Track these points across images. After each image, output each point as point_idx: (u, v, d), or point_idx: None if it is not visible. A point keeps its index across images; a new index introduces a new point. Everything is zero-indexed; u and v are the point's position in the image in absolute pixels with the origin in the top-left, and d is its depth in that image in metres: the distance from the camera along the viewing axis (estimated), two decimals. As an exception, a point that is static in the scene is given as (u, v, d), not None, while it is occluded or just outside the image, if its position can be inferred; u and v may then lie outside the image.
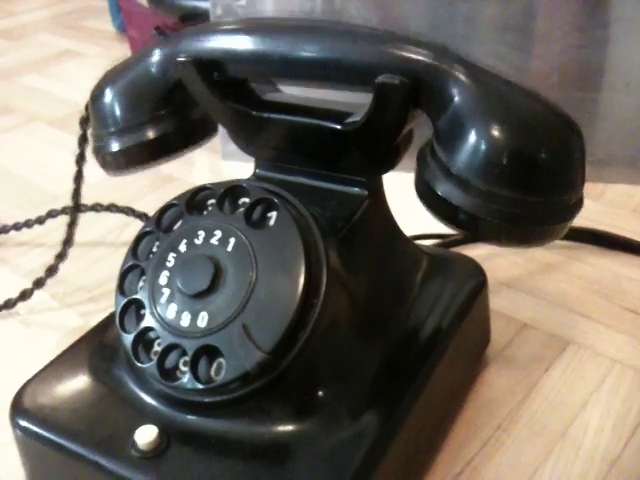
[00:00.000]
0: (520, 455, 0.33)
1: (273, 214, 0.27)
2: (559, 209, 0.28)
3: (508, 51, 0.52)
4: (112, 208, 0.50)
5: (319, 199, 0.31)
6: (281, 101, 0.32)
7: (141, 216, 0.49)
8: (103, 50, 0.91)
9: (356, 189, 0.31)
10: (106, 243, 0.50)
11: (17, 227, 0.50)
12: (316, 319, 0.26)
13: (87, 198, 0.45)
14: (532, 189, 0.27)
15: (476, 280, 0.35)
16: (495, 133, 0.26)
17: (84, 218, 0.46)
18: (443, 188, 0.27)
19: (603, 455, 0.33)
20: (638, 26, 0.50)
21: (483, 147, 0.26)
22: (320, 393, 0.27)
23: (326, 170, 0.32)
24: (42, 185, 0.59)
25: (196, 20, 0.61)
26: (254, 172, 0.34)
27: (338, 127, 0.29)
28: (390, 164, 0.31)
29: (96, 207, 0.50)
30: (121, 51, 0.86)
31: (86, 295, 0.45)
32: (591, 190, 0.52)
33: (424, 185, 0.28)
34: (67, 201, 0.42)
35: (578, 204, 0.28)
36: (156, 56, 0.32)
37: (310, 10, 0.53)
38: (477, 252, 0.44)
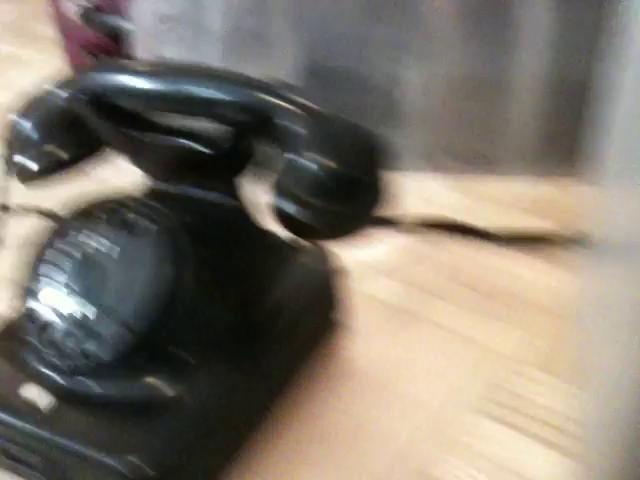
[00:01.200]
0: (364, 413, 0.42)
1: (145, 222, 0.36)
2: (367, 213, 0.37)
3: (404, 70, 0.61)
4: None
5: (194, 206, 0.40)
6: (164, 124, 0.41)
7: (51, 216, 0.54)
8: (48, 56, 0.96)
9: (225, 198, 0.39)
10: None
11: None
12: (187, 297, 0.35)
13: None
14: (347, 201, 0.36)
15: (326, 265, 0.44)
16: (318, 160, 0.35)
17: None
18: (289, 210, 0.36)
19: (444, 419, 0.42)
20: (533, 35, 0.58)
21: (308, 171, 0.35)
22: (171, 350, 0.36)
23: (199, 182, 0.40)
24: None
25: (122, 39, 0.69)
26: (146, 183, 0.42)
27: (208, 151, 0.38)
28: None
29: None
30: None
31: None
32: (466, 185, 0.61)
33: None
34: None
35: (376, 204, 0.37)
36: (60, 91, 0.40)
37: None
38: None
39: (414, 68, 0.62)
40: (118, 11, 0.71)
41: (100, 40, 0.73)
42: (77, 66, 0.77)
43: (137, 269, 0.35)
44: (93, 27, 0.72)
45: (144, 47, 0.65)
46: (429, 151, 0.66)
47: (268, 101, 0.35)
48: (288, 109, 0.35)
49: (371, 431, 0.41)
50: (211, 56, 0.63)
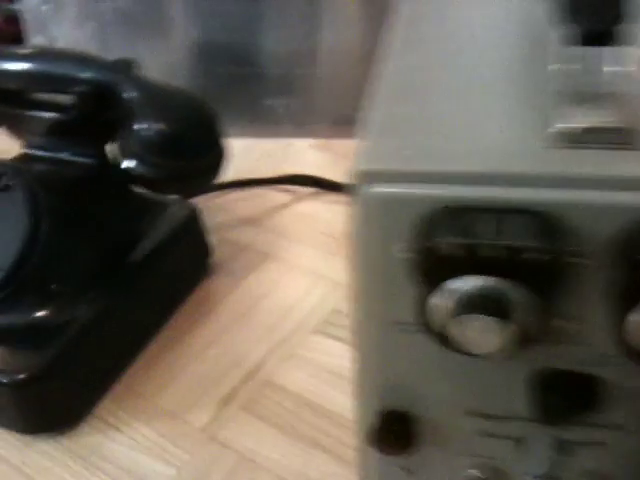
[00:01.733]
0: (227, 340, 0.50)
1: (11, 180, 0.43)
2: (206, 167, 0.44)
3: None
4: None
5: (60, 168, 0.46)
6: (33, 99, 0.47)
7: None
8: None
9: (82, 158, 0.46)
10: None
11: None
12: (43, 242, 0.42)
13: None
14: (184, 157, 0.43)
15: (184, 214, 0.51)
16: (153, 123, 0.42)
17: None
18: (129, 164, 0.43)
19: (292, 340, 0.50)
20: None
21: (149, 132, 0.42)
22: (54, 286, 0.43)
23: (66, 147, 0.47)
24: None
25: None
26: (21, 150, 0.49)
27: (63, 118, 0.45)
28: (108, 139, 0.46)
29: None
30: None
31: None
32: (320, 145, 0.69)
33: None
34: None
35: (219, 164, 0.45)
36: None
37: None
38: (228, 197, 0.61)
39: (291, 42, 0.69)
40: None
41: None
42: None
43: (4, 220, 0.42)
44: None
45: (34, 28, 0.70)
46: (303, 116, 0.73)
47: (111, 77, 0.42)
48: (126, 83, 0.42)
49: (231, 353, 0.49)
50: (96, 36, 0.69)
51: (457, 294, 0.25)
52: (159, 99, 0.42)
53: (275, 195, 0.64)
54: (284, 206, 0.63)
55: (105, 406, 0.45)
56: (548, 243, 0.25)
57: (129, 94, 0.41)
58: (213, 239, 0.58)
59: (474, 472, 0.35)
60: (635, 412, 0.31)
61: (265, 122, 0.71)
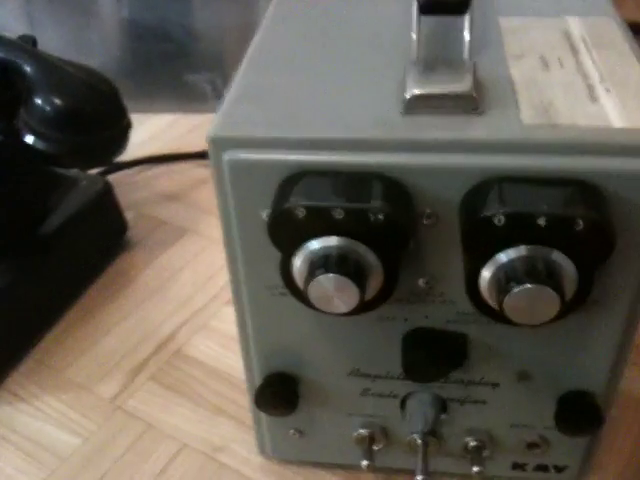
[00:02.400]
0: (141, 313, 0.51)
1: None
2: (107, 142, 0.44)
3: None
4: None
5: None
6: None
7: None
8: None
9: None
10: None
11: None
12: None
13: None
14: (83, 132, 0.43)
15: (96, 189, 0.51)
16: (52, 98, 0.42)
17: None
18: (29, 139, 0.43)
19: (204, 312, 0.51)
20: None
21: (48, 108, 0.42)
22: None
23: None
24: None
25: None
26: None
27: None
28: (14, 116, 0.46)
29: None
30: None
31: None
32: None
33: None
34: None
35: (124, 134, 0.45)
36: None
37: None
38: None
39: (215, 20, 0.69)
40: None
41: None
42: None
43: None
44: None
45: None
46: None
47: (11, 53, 0.42)
48: (27, 59, 0.42)
49: (144, 326, 0.49)
50: (19, 12, 0.68)
51: (312, 255, 0.26)
52: (57, 75, 0.42)
53: (198, 170, 0.64)
54: (206, 181, 0.63)
55: (15, 379, 0.46)
56: (396, 206, 0.26)
57: (29, 70, 0.41)
58: (132, 214, 0.58)
59: (363, 431, 0.36)
60: (507, 369, 0.32)
61: (191, 98, 0.71)
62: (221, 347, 0.47)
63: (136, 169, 0.63)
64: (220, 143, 0.27)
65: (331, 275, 0.26)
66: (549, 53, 0.31)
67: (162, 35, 0.70)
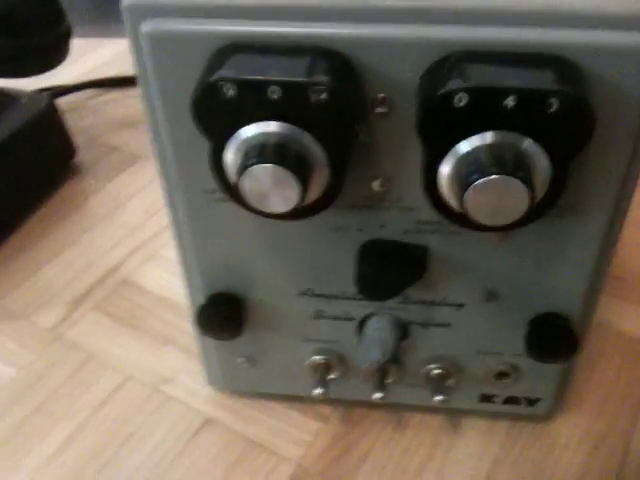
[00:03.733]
0: (90, 241, 0.47)
1: None
2: (48, 44, 0.40)
3: None
4: None
5: None
6: None
7: None
8: None
9: None
10: None
11: None
12: None
13: None
14: (17, 35, 0.39)
15: (39, 108, 0.47)
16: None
17: None
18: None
19: (152, 241, 0.48)
20: None
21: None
22: None
23: None
24: None
25: None
26: None
27: None
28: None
29: None
30: None
31: None
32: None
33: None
34: None
35: (63, 41, 0.41)
36: None
37: None
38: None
39: None
40: None
41: None
42: None
43: None
44: None
45: None
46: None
47: None
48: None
49: (89, 254, 0.46)
50: None
51: (245, 144, 0.23)
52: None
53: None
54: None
55: (-53, 309, 0.42)
56: (343, 84, 0.22)
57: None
58: (82, 140, 0.54)
59: (318, 358, 0.33)
60: (473, 288, 0.29)
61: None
62: (171, 275, 0.44)
63: (89, 93, 0.59)
64: (137, 11, 0.23)
65: (267, 165, 0.22)
66: None
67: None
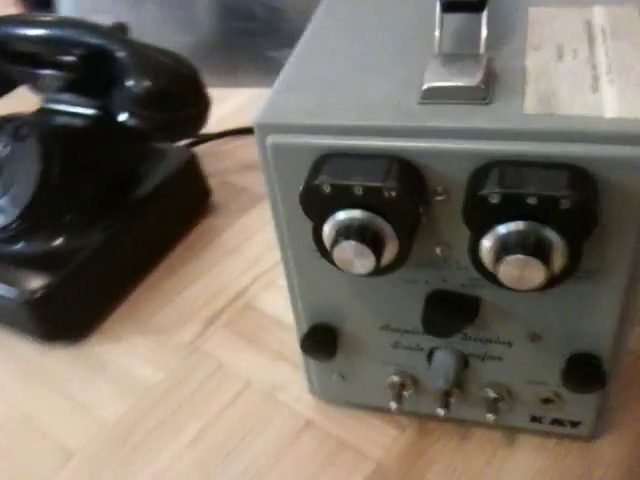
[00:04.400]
0: (218, 269, 0.58)
1: (27, 131, 0.51)
2: (190, 118, 0.51)
3: None
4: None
5: (70, 119, 0.54)
6: (49, 60, 0.54)
7: None
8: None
9: (89, 110, 0.54)
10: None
11: None
12: (54, 182, 0.50)
13: None
14: (173, 109, 0.50)
15: (183, 159, 0.58)
16: (141, 81, 0.49)
17: None
18: (122, 117, 0.50)
19: (273, 270, 0.57)
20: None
21: (138, 90, 0.49)
22: (66, 219, 0.51)
23: (74, 100, 0.54)
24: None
25: None
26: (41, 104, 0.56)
27: (70, 76, 0.52)
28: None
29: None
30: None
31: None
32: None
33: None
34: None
35: (205, 112, 0.51)
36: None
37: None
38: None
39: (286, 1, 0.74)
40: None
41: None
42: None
43: (21, 164, 0.50)
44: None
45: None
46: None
47: (105, 40, 0.49)
48: (118, 45, 0.49)
49: (220, 282, 0.56)
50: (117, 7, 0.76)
51: (337, 224, 0.31)
52: (145, 60, 0.48)
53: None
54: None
55: (111, 322, 0.54)
56: (408, 184, 0.30)
57: (121, 55, 0.48)
58: (216, 182, 0.65)
59: (395, 378, 0.41)
60: (518, 330, 0.36)
61: (273, 73, 0.77)
62: (286, 301, 0.53)
63: (221, 141, 0.70)
64: (264, 128, 0.32)
65: (352, 242, 0.31)
66: (566, 43, 0.34)
67: (247, 14, 0.76)
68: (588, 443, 0.41)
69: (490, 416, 0.39)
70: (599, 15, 0.36)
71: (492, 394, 0.40)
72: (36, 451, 0.46)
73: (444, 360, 0.39)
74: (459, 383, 0.40)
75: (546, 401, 0.39)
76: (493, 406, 0.39)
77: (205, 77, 0.68)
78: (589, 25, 0.35)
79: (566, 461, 0.41)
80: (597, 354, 0.36)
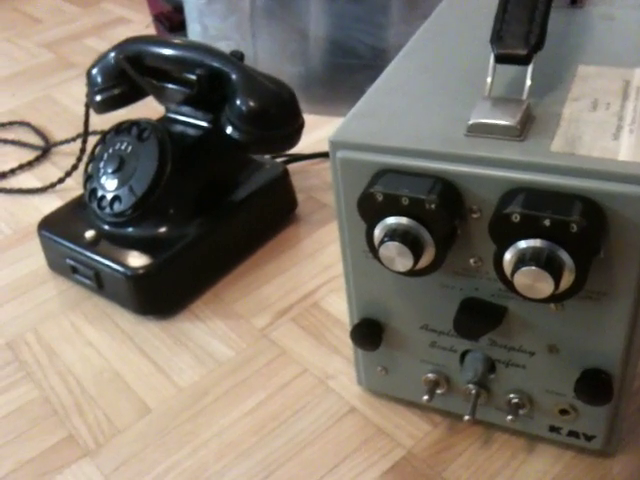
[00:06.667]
0: (294, 271, 0.65)
1: (149, 134, 0.60)
2: (284, 136, 0.59)
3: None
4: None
5: (186, 128, 0.63)
6: (173, 75, 0.64)
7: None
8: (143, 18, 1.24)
9: (202, 122, 0.63)
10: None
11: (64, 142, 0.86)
12: (166, 180, 0.59)
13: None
14: (271, 127, 0.58)
15: (276, 172, 0.66)
16: (248, 101, 0.57)
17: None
18: (228, 130, 0.59)
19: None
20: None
21: (244, 108, 0.58)
22: (171, 211, 0.60)
23: (193, 114, 0.64)
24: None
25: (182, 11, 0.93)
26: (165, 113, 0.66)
27: (190, 92, 0.61)
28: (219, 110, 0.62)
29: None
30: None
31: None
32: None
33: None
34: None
35: (298, 132, 0.59)
36: (114, 52, 0.65)
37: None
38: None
39: (391, 39, 0.82)
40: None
41: (169, 11, 0.98)
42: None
43: (140, 161, 0.59)
44: (166, 1, 0.97)
45: (192, 18, 0.89)
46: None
47: (222, 64, 0.58)
48: (233, 69, 0.58)
49: (294, 281, 0.64)
50: (241, 27, 0.86)
51: (385, 227, 0.38)
52: (253, 83, 0.57)
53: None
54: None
55: (197, 305, 0.62)
56: (447, 200, 0.37)
57: (234, 78, 0.57)
58: (303, 196, 0.72)
59: (431, 376, 0.47)
60: (539, 341, 0.42)
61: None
62: (346, 304, 0.60)
63: (313, 161, 0.78)
64: (335, 145, 0.39)
65: (396, 243, 0.37)
66: (602, 98, 0.39)
67: (351, 52, 0.84)
68: (604, 459, 0.45)
69: (510, 417, 0.44)
70: (638, 76, 0.41)
71: (515, 399, 0.44)
72: (120, 402, 0.54)
73: (474, 360, 0.44)
74: (486, 385, 0.45)
75: (563, 412, 0.44)
76: (515, 410, 0.44)
77: (308, 104, 0.77)
78: (627, 84, 0.41)
79: (580, 473, 0.45)
80: (607, 370, 0.40)
